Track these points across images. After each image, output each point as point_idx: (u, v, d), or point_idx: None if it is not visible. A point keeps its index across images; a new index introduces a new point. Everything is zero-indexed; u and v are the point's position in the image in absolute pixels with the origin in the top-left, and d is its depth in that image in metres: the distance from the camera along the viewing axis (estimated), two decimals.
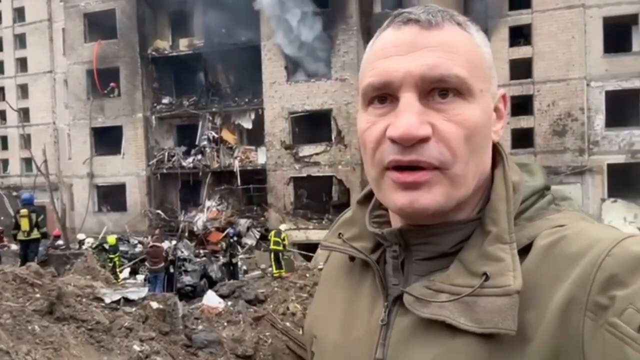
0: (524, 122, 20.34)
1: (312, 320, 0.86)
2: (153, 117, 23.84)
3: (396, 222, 0.70)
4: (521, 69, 19.92)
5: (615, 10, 18.21)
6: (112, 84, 24.10)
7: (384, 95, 0.63)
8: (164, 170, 23.48)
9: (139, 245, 17.59)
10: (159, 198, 23.86)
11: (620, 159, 18.60)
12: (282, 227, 15.85)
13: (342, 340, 0.74)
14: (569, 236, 0.59)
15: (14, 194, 25.76)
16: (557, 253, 0.58)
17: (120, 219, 23.21)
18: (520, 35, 20.47)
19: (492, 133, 0.67)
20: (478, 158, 0.64)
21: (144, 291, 8.98)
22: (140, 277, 13.73)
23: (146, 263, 13.66)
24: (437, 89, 0.61)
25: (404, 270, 0.69)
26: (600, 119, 18.98)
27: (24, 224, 10.92)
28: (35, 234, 11.13)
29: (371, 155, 0.64)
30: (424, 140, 0.60)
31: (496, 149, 0.70)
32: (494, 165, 0.68)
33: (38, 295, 6.19)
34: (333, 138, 20.80)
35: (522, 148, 19.89)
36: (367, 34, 21.14)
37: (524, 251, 0.61)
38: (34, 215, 11.06)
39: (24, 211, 11.08)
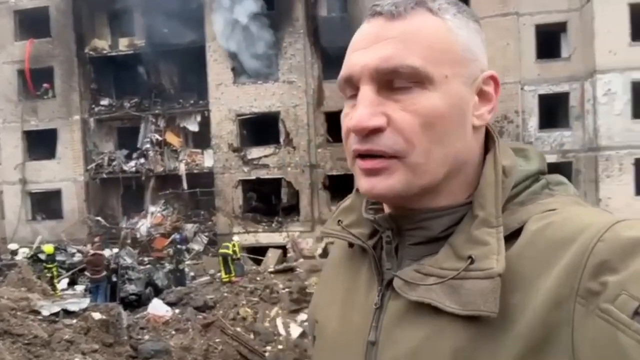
0: None
1: (315, 305, 0.88)
2: (91, 119, 22.72)
3: (388, 208, 0.72)
4: None
5: (546, 18, 19.34)
6: (45, 85, 22.76)
7: (354, 88, 0.66)
8: (104, 175, 22.47)
9: (78, 254, 16.71)
10: (99, 204, 22.78)
11: (552, 158, 19.76)
12: (235, 238, 15.73)
13: (341, 324, 0.76)
14: (559, 220, 0.59)
15: None
16: (547, 237, 0.58)
17: (56, 227, 21.91)
18: None
19: (474, 117, 0.66)
20: (445, 147, 0.63)
21: (85, 302, 8.59)
22: (80, 288, 13.04)
23: (86, 272, 12.98)
24: (396, 80, 0.63)
25: (397, 255, 0.70)
26: (534, 121, 20.06)
27: None
28: None
29: (345, 145, 0.68)
30: (379, 130, 0.62)
31: (488, 133, 0.70)
32: (486, 150, 0.69)
33: None
34: (282, 140, 20.75)
35: None
36: (314, 36, 21.30)
37: (515, 235, 0.61)
38: None
39: None
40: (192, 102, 22.54)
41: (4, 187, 23.35)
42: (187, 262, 17.08)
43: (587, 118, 18.47)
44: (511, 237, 0.61)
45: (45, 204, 23.01)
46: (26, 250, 15.81)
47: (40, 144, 22.58)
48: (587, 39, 17.93)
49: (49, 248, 13.99)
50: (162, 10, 20.35)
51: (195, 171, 21.95)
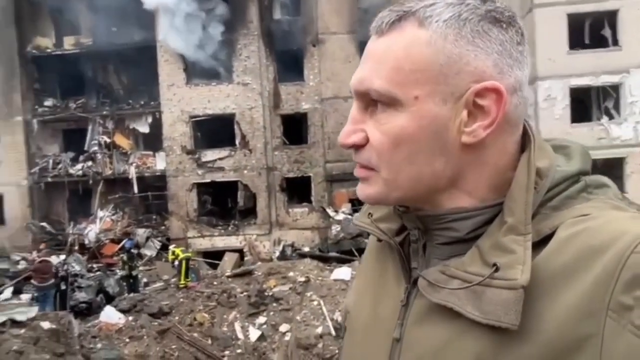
0: None
1: (350, 296, 0.88)
2: (34, 120, 21.58)
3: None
4: None
5: None
6: None
7: None
8: (49, 179, 21.39)
9: (22, 262, 15.86)
10: (44, 209, 21.66)
11: None
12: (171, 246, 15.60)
13: (370, 318, 0.76)
14: (592, 227, 0.56)
15: None
16: (577, 245, 0.55)
17: None
18: None
19: (464, 135, 0.62)
20: (417, 165, 0.63)
21: (33, 311, 8.18)
22: (25, 297, 12.38)
23: (33, 281, 12.36)
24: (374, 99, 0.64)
25: (425, 253, 0.70)
26: None
27: None
28: None
29: None
30: (359, 146, 0.66)
31: (526, 132, 0.67)
32: (522, 149, 0.66)
33: None
34: (237, 143, 20.54)
35: None
36: (269, 38, 21.27)
37: (546, 241, 0.59)
38: None
39: None
40: (142, 103, 21.88)
41: None
42: (140, 268, 16.58)
43: (530, 122, 19.45)
44: (541, 242, 0.59)
45: None
46: None
47: None
48: (529, 48, 18.89)
49: None
50: (110, 7, 19.70)
51: (147, 174, 21.34)
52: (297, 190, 21.64)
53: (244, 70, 20.72)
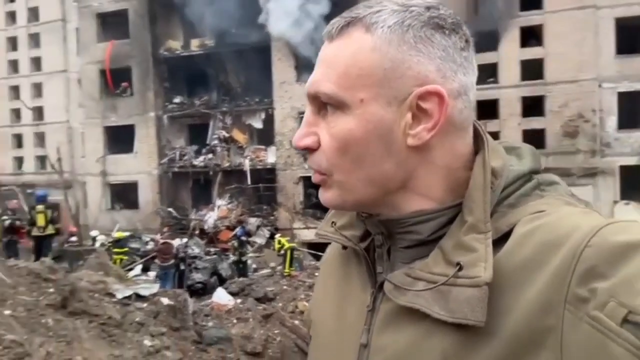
0: (535, 123, 20.19)
1: (312, 305, 0.89)
2: (165, 116, 24.08)
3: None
4: (533, 70, 19.79)
5: (627, 12, 18.01)
6: (124, 84, 24.40)
7: None
8: (176, 169, 23.71)
9: (151, 243, 17.79)
10: (171, 196, 24.08)
11: (632, 160, 18.40)
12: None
13: (335, 325, 0.76)
14: (547, 223, 0.58)
15: (28, 191, 26.13)
16: (535, 241, 0.57)
17: (133, 217, 23.49)
18: (532, 36, 20.34)
19: (409, 137, 0.63)
20: (365, 168, 0.64)
21: (155, 287, 9.07)
22: (152, 274, 13.88)
23: (156, 260, 13.81)
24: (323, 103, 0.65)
25: (390, 257, 0.70)
26: (612, 121, 18.77)
27: (40, 220, 11.21)
28: (50, 230, 11.40)
29: None
30: (311, 149, 0.66)
31: (478, 134, 0.69)
32: (476, 151, 0.68)
33: (51, 290, 6.29)
34: None
35: None
36: None
37: (505, 239, 0.60)
38: (49, 212, 11.34)
39: (40, 208, 11.36)
40: (257, 100, 23.15)
41: (87, 179, 25.34)
42: (250, 255, 17.62)
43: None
44: (501, 240, 0.60)
45: (123, 195, 24.71)
46: (104, 237, 17.10)
47: (119, 139, 24.29)
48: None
49: (120, 235, 15.10)
50: (230, 11, 21.05)
51: (259, 167, 22.59)
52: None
53: None
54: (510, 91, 20.18)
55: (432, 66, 0.62)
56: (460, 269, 0.59)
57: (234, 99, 23.73)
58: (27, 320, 4.98)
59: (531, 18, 20.01)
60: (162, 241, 14.27)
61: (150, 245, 17.35)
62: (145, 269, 14.86)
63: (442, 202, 0.66)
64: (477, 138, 0.69)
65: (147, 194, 23.95)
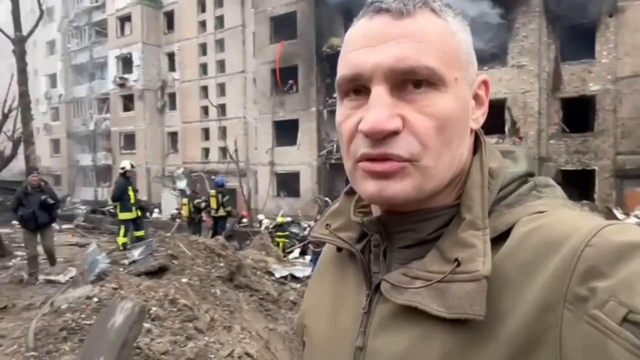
0: None
1: (304, 310, 0.86)
2: (325, 110, 25.34)
3: (376, 211, 0.70)
4: None
5: None
6: (290, 81, 26.29)
7: (358, 88, 0.63)
8: (333, 161, 24.76)
9: (308, 229, 19.00)
10: (327, 186, 25.34)
11: None
12: None
13: (329, 329, 0.74)
14: (548, 223, 0.57)
15: (212, 177, 30.06)
16: (535, 240, 0.56)
17: (294, 204, 25.35)
18: None
19: (471, 121, 0.65)
20: (453, 149, 0.62)
21: (308, 270, 9.74)
22: (308, 258, 14.87)
23: (310, 245, 14.75)
24: (410, 80, 0.60)
25: (386, 258, 0.69)
26: None
27: (213, 203, 12.95)
28: (221, 212, 13.04)
29: (346, 148, 0.65)
30: (394, 133, 0.59)
31: (476, 136, 0.69)
32: (474, 153, 0.67)
33: (222, 265, 7.05)
34: (507, 130, 19.39)
35: None
36: (552, 13, 19.09)
37: (503, 238, 0.60)
38: (220, 196, 12.98)
39: (212, 192, 13.12)
40: None
41: (259, 168, 28.10)
42: None
43: None
44: (499, 239, 0.60)
45: (287, 184, 26.80)
46: (268, 221, 18.88)
47: (285, 132, 26.34)
48: None
49: (281, 219, 16.45)
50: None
51: None
52: (576, 185, 19.02)
53: (520, 51, 19.27)
54: None
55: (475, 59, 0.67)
56: (459, 265, 0.58)
57: None
58: (199, 289, 5.71)
59: None
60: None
61: (308, 231, 18.52)
62: (303, 253, 15.96)
63: (446, 200, 0.66)
64: (475, 138, 0.69)
65: (307, 183, 25.59)
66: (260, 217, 20.24)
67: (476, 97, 0.66)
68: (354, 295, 0.72)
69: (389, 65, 0.59)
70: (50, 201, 7.98)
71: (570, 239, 0.54)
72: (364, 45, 0.62)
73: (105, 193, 36.35)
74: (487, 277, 0.56)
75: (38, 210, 7.84)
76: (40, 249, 8.28)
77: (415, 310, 0.60)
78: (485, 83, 0.67)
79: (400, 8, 0.61)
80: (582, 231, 0.54)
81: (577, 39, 18.64)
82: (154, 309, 4.46)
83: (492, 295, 0.56)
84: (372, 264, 0.70)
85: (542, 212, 0.60)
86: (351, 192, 0.79)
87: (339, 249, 0.78)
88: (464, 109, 0.63)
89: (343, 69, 0.64)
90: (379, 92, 0.60)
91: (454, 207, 0.65)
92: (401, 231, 0.67)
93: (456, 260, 0.59)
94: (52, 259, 8.64)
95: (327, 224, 0.79)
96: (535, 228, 0.58)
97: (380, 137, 0.59)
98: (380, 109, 0.59)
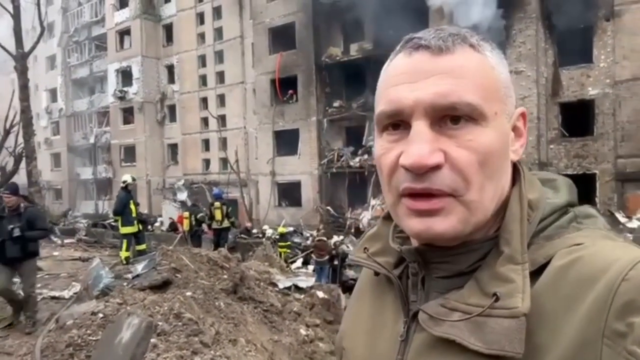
0: None
1: (343, 332, 0.86)
2: (325, 120, 25.37)
3: (415, 241, 0.70)
4: None
5: None
6: (290, 91, 26.38)
7: (397, 122, 0.64)
8: (334, 170, 24.76)
9: (310, 238, 19.04)
10: (329, 195, 25.29)
11: None
12: None
13: (367, 353, 0.75)
14: (585, 256, 0.57)
15: (213, 188, 30.09)
16: (572, 274, 0.56)
17: (296, 214, 25.31)
18: None
19: (511, 152, 0.66)
20: (495, 182, 0.63)
21: (311, 281, 9.68)
22: (311, 268, 14.85)
23: (313, 255, 14.73)
24: (449, 116, 0.61)
25: (424, 286, 0.69)
26: None
27: (217, 215, 12.91)
28: (226, 224, 13.02)
29: (387, 181, 0.66)
30: (436, 167, 0.60)
31: (515, 167, 0.69)
32: (512, 184, 0.67)
33: (225, 277, 7.00)
34: None
35: None
36: (549, 18, 19.19)
37: (541, 271, 0.60)
38: (224, 207, 12.98)
39: (217, 204, 13.08)
40: None
41: (259, 178, 28.10)
42: None
43: None
44: (537, 272, 0.60)
45: (289, 193, 26.77)
46: (271, 231, 18.85)
47: (285, 142, 26.39)
48: None
49: (281, 229, 16.44)
50: (390, 12, 21.18)
51: None
52: (577, 189, 18.92)
53: (517, 57, 19.33)
54: None
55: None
56: (497, 299, 0.58)
57: None
58: (203, 302, 5.67)
59: None
60: (317, 238, 15.18)
61: (310, 241, 18.54)
62: (305, 262, 15.92)
63: (486, 232, 0.65)
64: (514, 170, 0.69)
65: (308, 193, 25.57)
66: (264, 227, 20.20)
67: (515, 128, 0.67)
68: (392, 322, 0.73)
69: (430, 102, 0.60)
70: (17, 233, 5.90)
71: (607, 272, 0.54)
72: (404, 82, 0.63)
73: (106, 206, 36.34)
74: (526, 314, 0.56)
75: (8, 240, 5.93)
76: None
77: (452, 342, 0.60)
78: (523, 115, 0.69)
79: (440, 45, 0.62)
80: (618, 264, 0.54)
81: (574, 44, 18.73)
82: (159, 323, 4.44)
83: (530, 330, 0.56)
84: (410, 292, 0.71)
85: (580, 244, 0.60)
86: (389, 217, 0.78)
87: (377, 273, 0.79)
88: (504, 142, 0.64)
89: (383, 105, 0.65)
90: (420, 127, 0.61)
91: (493, 239, 0.64)
92: (439, 262, 0.67)
93: (494, 294, 0.59)
94: (26, 305, 6.25)
95: (365, 248, 0.80)
96: (573, 261, 0.57)
97: (423, 172, 0.60)
98: (422, 144, 0.60)
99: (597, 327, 0.52)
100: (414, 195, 0.62)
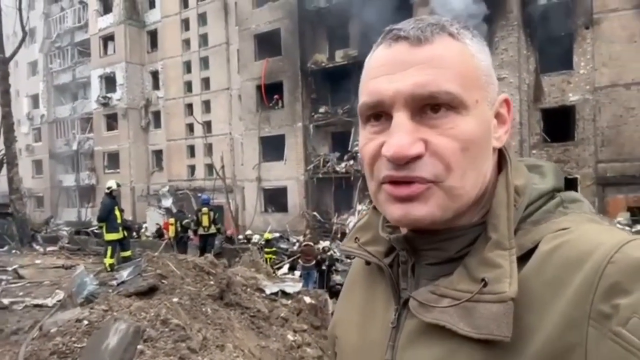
0: None
1: (335, 321, 0.87)
2: (311, 125, 25.45)
3: (404, 229, 0.71)
4: None
5: None
6: (276, 97, 26.42)
7: (378, 113, 0.65)
8: (320, 175, 24.85)
9: (297, 244, 19.02)
10: (315, 201, 25.35)
11: None
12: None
13: (359, 341, 0.76)
14: (571, 240, 0.58)
15: (199, 195, 29.85)
16: (558, 258, 0.57)
17: (282, 219, 25.27)
18: None
19: (494, 139, 0.66)
20: (477, 169, 0.63)
21: (298, 286, 9.61)
22: (297, 273, 14.82)
23: (300, 260, 14.72)
24: (429, 105, 0.61)
25: (414, 274, 0.70)
26: None
27: (205, 221, 12.83)
28: (213, 230, 12.95)
29: (369, 170, 0.67)
30: (417, 157, 0.61)
31: (501, 154, 0.69)
32: (499, 170, 0.68)
33: (212, 283, 6.93)
34: None
35: None
36: (530, 26, 19.57)
37: (529, 255, 0.60)
38: (212, 214, 12.91)
39: (204, 210, 13.00)
40: None
41: (245, 184, 28.01)
42: None
43: None
44: (525, 257, 0.60)
45: (275, 199, 26.76)
46: (257, 236, 18.79)
47: (271, 147, 26.38)
48: None
49: (267, 235, 16.40)
50: (374, 18, 21.38)
51: None
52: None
53: (500, 64, 19.64)
54: None
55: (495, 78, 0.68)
56: (485, 285, 0.59)
57: None
58: (190, 308, 5.63)
59: None
60: (304, 243, 15.19)
61: (296, 246, 18.52)
62: (292, 268, 15.89)
63: (471, 219, 0.66)
64: (500, 156, 0.70)
65: (294, 198, 25.57)
66: (249, 233, 20.11)
67: (498, 115, 0.68)
68: (383, 310, 0.74)
69: (410, 92, 0.61)
70: None
71: (592, 255, 0.55)
72: (384, 73, 0.64)
73: (89, 213, 35.83)
74: (514, 298, 0.57)
75: None
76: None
77: (442, 328, 0.62)
78: (506, 101, 0.69)
79: (419, 35, 0.63)
80: (604, 247, 0.54)
81: (555, 51, 19.13)
82: (146, 329, 4.40)
83: (517, 313, 0.57)
84: (401, 279, 0.72)
85: (566, 228, 0.61)
86: None
87: (368, 263, 0.80)
88: (486, 129, 0.64)
89: (364, 96, 0.66)
90: (401, 118, 0.62)
91: (480, 225, 0.65)
92: (428, 249, 0.68)
93: (483, 280, 0.60)
94: None
95: (356, 238, 0.80)
96: (558, 245, 0.58)
97: (404, 162, 0.61)
98: (402, 135, 0.61)
99: (583, 308, 0.53)
100: (394, 182, 0.63)
